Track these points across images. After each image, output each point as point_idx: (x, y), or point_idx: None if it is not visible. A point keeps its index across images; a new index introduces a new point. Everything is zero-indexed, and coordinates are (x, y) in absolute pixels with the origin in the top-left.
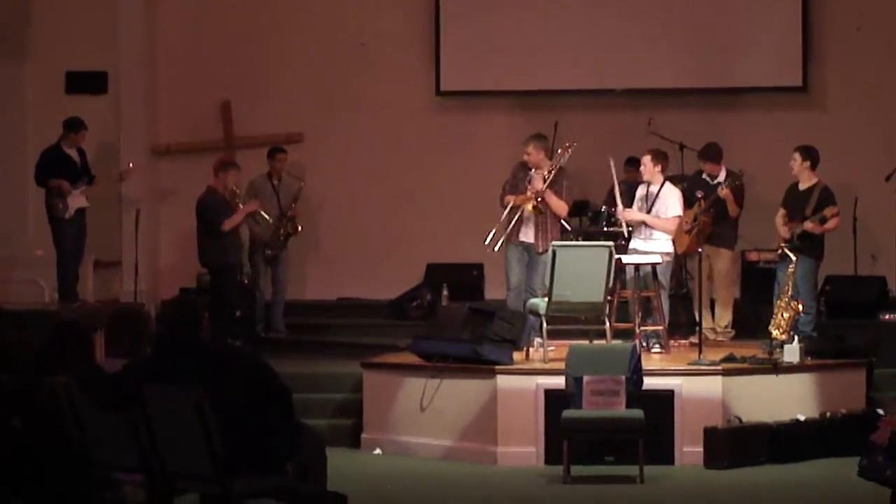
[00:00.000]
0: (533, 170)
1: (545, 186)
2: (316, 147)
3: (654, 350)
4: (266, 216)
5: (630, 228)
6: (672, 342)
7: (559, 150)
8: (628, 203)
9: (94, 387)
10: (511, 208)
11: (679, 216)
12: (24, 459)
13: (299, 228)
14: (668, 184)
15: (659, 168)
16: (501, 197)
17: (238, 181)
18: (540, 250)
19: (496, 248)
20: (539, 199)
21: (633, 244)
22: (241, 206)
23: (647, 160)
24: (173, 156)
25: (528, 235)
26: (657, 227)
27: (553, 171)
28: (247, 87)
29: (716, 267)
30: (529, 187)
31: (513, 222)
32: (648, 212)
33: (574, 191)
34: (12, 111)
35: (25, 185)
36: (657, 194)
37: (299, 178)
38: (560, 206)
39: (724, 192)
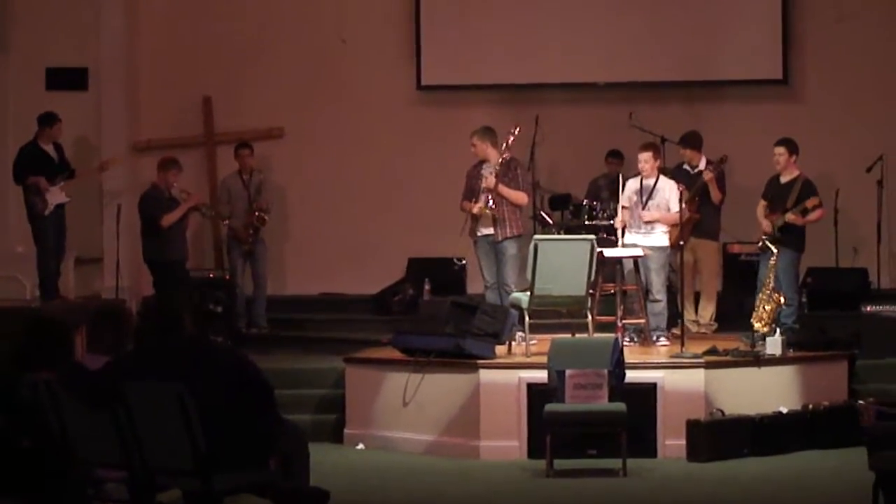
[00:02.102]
0: (483, 166)
1: (496, 181)
2: (297, 142)
3: (660, 343)
4: (210, 209)
5: (622, 224)
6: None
7: (505, 140)
8: (611, 197)
9: (75, 383)
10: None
11: (680, 210)
12: (4, 456)
13: (266, 219)
14: (662, 177)
15: (658, 162)
16: (461, 204)
17: (178, 179)
18: (499, 239)
19: (475, 243)
20: (491, 198)
21: (632, 239)
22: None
23: (648, 156)
24: (154, 151)
25: (487, 227)
26: (668, 221)
27: (500, 163)
28: (228, 82)
29: (700, 259)
30: (483, 185)
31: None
32: (645, 205)
33: (556, 183)
34: None
35: (5, 181)
36: (654, 188)
37: (260, 171)
38: (516, 196)
39: (708, 175)
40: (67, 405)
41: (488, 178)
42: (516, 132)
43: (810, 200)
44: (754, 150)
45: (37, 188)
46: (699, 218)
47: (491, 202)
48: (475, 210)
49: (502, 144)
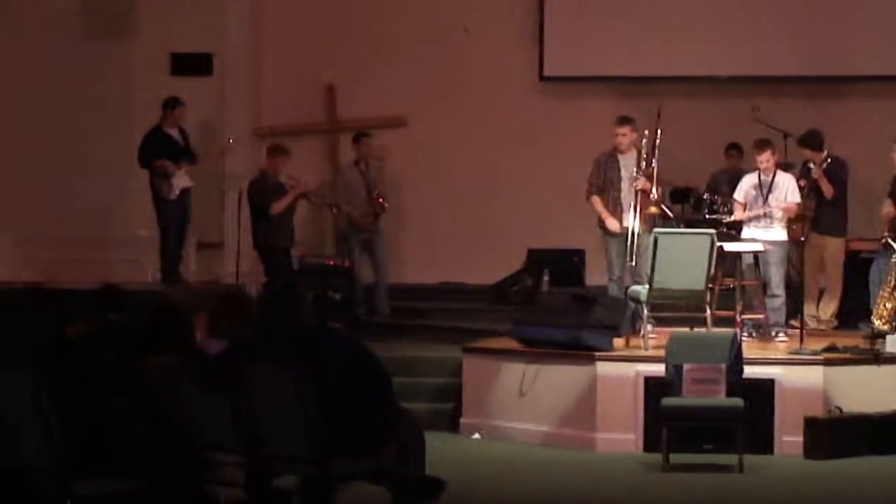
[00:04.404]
0: (620, 157)
1: (645, 178)
2: (419, 131)
3: (779, 339)
4: (320, 196)
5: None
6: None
7: (646, 138)
8: (732, 190)
9: (195, 368)
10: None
11: (800, 202)
12: (125, 439)
13: (385, 207)
14: (780, 171)
15: (776, 159)
16: (588, 192)
17: (286, 165)
18: (640, 232)
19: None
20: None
21: (750, 233)
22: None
23: (768, 155)
24: (276, 138)
25: (626, 221)
26: (790, 212)
27: (647, 159)
28: (351, 70)
29: (826, 256)
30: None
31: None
32: (765, 200)
33: (676, 176)
34: (119, 93)
35: (129, 165)
36: (772, 182)
37: (381, 159)
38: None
39: (817, 172)
40: (187, 389)
41: (640, 181)
42: (659, 132)
43: None
44: (879, 147)
45: (163, 172)
46: (812, 213)
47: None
48: (646, 214)
49: (642, 142)
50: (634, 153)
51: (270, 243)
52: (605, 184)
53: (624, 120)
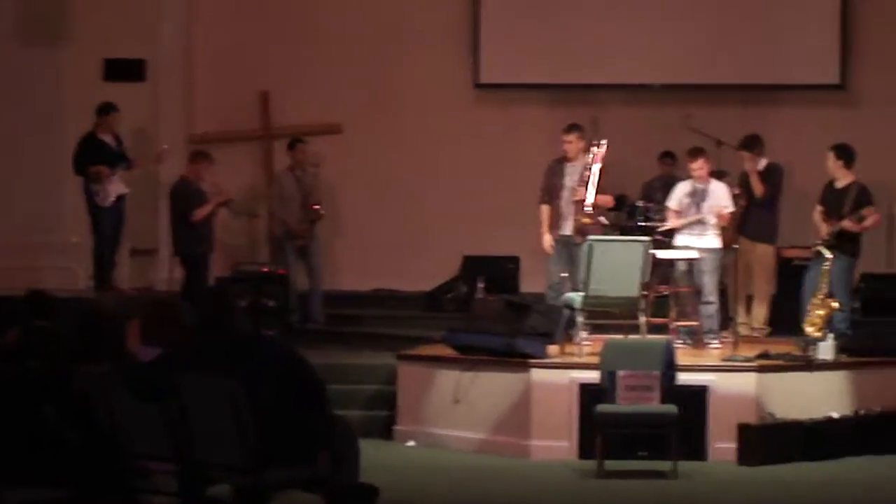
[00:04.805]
0: (567, 166)
1: (592, 187)
2: (353, 138)
3: (712, 345)
4: (241, 205)
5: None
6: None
7: (594, 149)
8: (665, 198)
9: (128, 375)
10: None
11: (732, 210)
12: (55, 447)
13: (321, 215)
14: (713, 179)
15: (709, 167)
16: (539, 199)
17: (209, 172)
18: (578, 241)
19: (549, 247)
20: (590, 209)
21: (684, 241)
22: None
23: (701, 163)
24: (210, 144)
25: (566, 229)
26: (725, 220)
27: (590, 169)
28: (285, 77)
29: (755, 262)
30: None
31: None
32: (699, 208)
33: (611, 184)
34: (51, 98)
35: (62, 171)
36: (705, 190)
37: (316, 166)
38: (606, 201)
39: (749, 166)
40: (118, 397)
41: (580, 191)
42: (604, 143)
43: (867, 209)
44: (811, 155)
45: (98, 177)
46: (739, 214)
47: (589, 210)
48: (585, 221)
49: (589, 155)
50: (583, 161)
51: (191, 249)
52: (551, 191)
53: (571, 127)
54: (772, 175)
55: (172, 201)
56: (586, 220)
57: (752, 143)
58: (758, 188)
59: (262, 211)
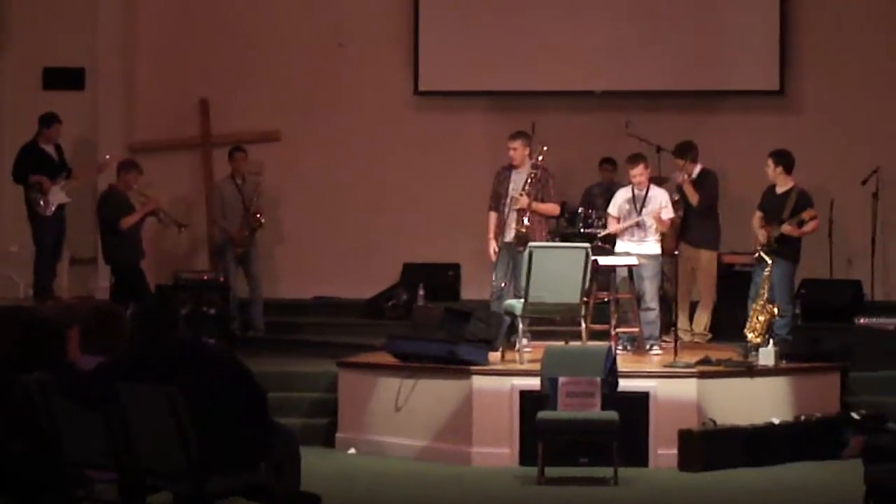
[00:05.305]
0: (513, 172)
1: (529, 196)
2: (293, 145)
3: (653, 352)
4: (169, 214)
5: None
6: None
7: (535, 155)
8: (606, 204)
9: (68, 384)
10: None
11: (673, 216)
12: None
13: (262, 222)
14: (653, 185)
15: (648, 173)
16: (488, 206)
17: (138, 181)
18: (520, 249)
19: (493, 253)
20: (526, 217)
21: (624, 247)
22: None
23: (641, 169)
24: (151, 153)
25: (509, 236)
26: (665, 226)
27: (532, 177)
28: (225, 84)
29: (698, 268)
30: (517, 207)
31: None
32: (639, 214)
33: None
34: None
35: (0, 181)
36: (645, 196)
37: (257, 174)
38: (550, 209)
39: (681, 177)
40: (60, 406)
41: (520, 200)
42: (545, 150)
43: (807, 212)
44: (751, 160)
45: (39, 188)
46: (678, 223)
47: (526, 220)
48: (517, 231)
49: (532, 158)
50: (527, 169)
51: (121, 258)
52: (497, 198)
53: (516, 134)
54: (704, 182)
55: (100, 211)
56: (523, 229)
57: (684, 151)
58: (692, 196)
59: (193, 221)
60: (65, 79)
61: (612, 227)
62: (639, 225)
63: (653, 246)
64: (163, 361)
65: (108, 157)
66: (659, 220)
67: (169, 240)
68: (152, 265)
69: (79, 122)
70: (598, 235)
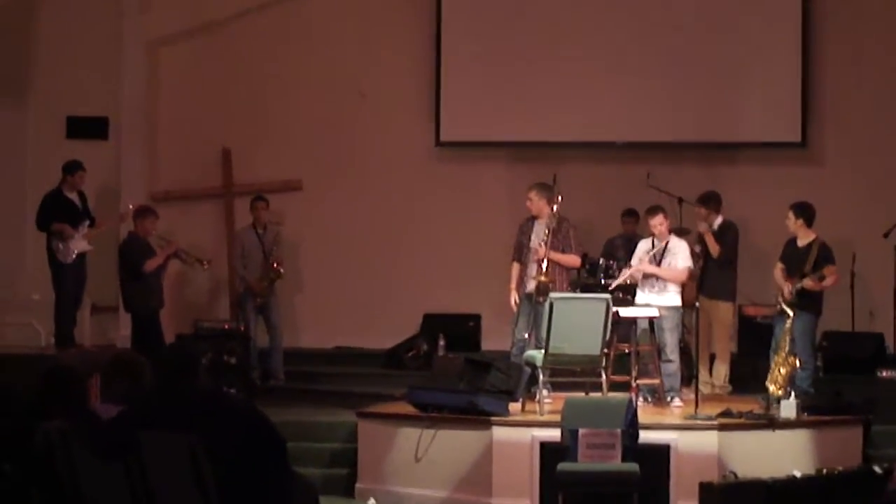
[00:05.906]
0: (535, 223)
1: (547, 247)
2: (314, 195)
3: (674, 403)
4: (191, 253)
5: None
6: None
7: (552, 205)
8: (628, 256)
9: (88, 433)
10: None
11: (690, 267)
12: None
13: (281, 272)
14: (673, 237)
15: (668, 224)
16: (512, 257)
17: (156, 227)
18: (540, 300)
19: (514, 304)
20: (545, 268)
21: (645, 298)
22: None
23: (660, 219)
24: (172, 202)
25: (531, 286)
26: (671, 279)
27: (550, 228)
28: (247, 134)
29: (714, 320)
30: (535, 257)
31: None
32: (658, 265)
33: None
34: (12, 155)
35: (23, 228)
36: (665, 247)
37: (278, 223)
38: (569, 260)
39: (703, 227)
40: (80, 455)
41: (540, 251)
42: (560, 199)
43: (828, 269)
44: (772, 212)
45: (61, 235)
46: (701, 275)
47: (545, 269)
48: (538, 281)
49: (552, 207)
50: (548, 219)
51: (143, 304)
52: (520, 248)
53: (533, 186)
54: (725, 234)
55: (122, 257)
56: (543, 279)
57: (708, 200)
58: (713, 247)
59: (215, 271)
60: (88, 128)
61: (624, 275)
62: (651, 272)
63: (673, 297)
64: (182, 411)
65: (130, 206)
66: (671, 273)
67: (191, 286)
68: (173, 314)
69: (102, 172)
70: (610, 287)
